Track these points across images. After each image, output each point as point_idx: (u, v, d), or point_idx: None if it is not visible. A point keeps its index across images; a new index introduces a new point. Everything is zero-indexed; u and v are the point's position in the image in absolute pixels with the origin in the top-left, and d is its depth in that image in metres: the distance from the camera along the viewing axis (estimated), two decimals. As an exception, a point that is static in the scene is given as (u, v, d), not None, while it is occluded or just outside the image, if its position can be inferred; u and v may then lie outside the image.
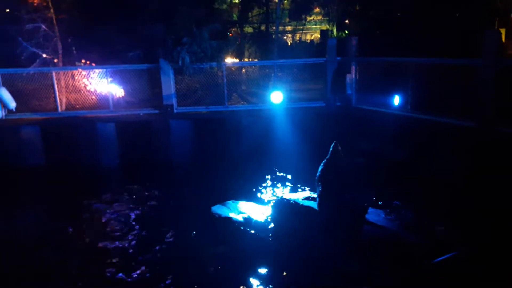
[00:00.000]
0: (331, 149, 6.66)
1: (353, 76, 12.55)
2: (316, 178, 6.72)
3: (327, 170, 6.59)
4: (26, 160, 11.95)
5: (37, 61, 13.21)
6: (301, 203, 7.04)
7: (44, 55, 13.39)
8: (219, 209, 8.04)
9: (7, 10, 16.04)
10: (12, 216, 9.16)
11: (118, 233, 8.00)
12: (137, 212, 9.04)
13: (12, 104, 12.63)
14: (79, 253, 7.36)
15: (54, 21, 13.73)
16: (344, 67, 12.82)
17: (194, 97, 13.42)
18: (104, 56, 14.66)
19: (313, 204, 6.91)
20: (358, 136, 11.09)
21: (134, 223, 8.50)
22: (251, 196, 9.31)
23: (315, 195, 7.04)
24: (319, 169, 6.70)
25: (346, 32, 21.44)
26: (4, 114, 12.72)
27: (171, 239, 7.66)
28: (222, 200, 8.39)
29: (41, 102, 13.29)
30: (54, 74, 13.03)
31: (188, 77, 13.13)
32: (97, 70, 13.34)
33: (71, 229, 8.27)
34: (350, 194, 6.46)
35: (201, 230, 7.83)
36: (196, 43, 12.56)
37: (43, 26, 13.45)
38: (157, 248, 7.33)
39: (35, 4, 14.07)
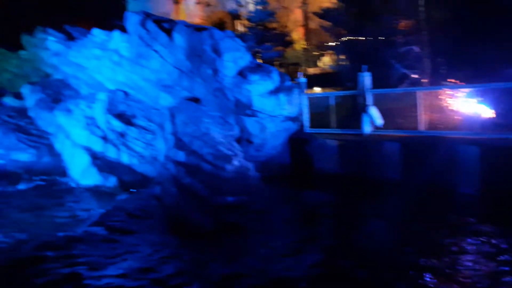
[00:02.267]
0: None
1: None
2: None
3: None
4: (384, 173, 12.74)
5: (406, 81, 13.85)
6: None
7: (412, 76, 13.89)
8: None
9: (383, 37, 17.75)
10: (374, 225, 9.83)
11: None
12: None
13: (379, 121, 13.83)
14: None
15: (425, 43, 13.98)
16: None
17: None
18: (473, 74, 13.67)
19: None
20: None
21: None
22: None
23: None
24: None
25: None
26: (372, 129, 14.10)
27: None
28: None
29: (404, 120, 13.87)
30: (419, 93, 13.27)
31: None
32: (463, 89, 12.55)
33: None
34: None
35: None
36: None
37: (415, 48, 13.97)
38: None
39: (408, 28, 14.86)
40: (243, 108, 14.48)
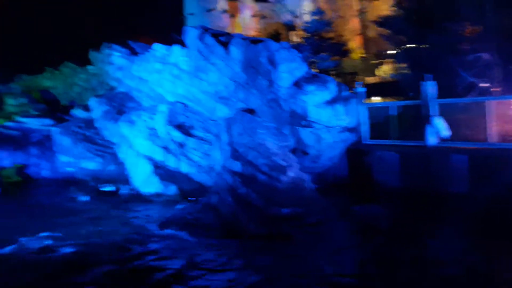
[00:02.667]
0: None
1: None
2: None
3: None
4: (450, 187, 11.97)
5: (474, 90, 13.01)
6: None
7: (481, 84, 13.03)
8: None
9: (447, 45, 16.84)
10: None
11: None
12: None
13: (445, 133, 13.06)
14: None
15: (495, 50, 13.08)
16: None
17: None
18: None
19: None
20: None
21: None
22: None
23: None
24: None
25: None
26: (437, 141, 13.34)
27: None
28: None
29: (472, 132, 12.99)
30: (489, 103, 12.38)
31: None
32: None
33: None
34: None
35: None
36: None
37: (484, 56, 13.11)
38: None
39: (474, 35, 14.00)
40: (299, 119, 14.35)
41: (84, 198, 16.65)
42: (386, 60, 28.91)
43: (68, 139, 19.75)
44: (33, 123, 22.82)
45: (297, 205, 11.04)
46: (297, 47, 23.45)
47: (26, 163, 20.78)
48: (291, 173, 12.13)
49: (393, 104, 15.28)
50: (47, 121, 22.95)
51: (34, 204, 16.36)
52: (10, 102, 28.18)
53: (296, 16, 31.18)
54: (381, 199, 13.08)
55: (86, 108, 23.29)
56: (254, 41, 16.48)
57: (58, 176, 20.64)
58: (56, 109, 26.79)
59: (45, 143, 21.11)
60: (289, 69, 14.86)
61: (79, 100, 29.34)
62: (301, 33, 30.05)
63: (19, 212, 15.05)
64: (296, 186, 11.94)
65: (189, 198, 14.80)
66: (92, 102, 22.02)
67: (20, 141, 20.88)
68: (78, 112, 23.71)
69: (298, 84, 14.74)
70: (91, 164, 19.05)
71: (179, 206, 14.03)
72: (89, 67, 29.18)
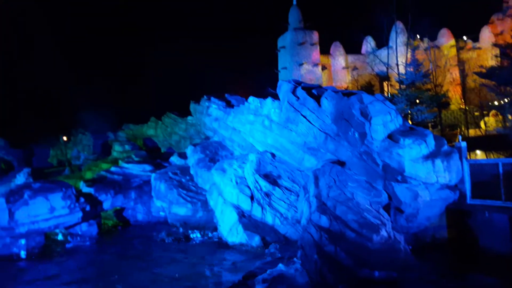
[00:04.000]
0: None
1: None
2: None
3: None
4: None
5: None
6: None
7: None
8: None
9: None
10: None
11: None
12: None
13: None
14: None
15: None
16: None
17: None
18: None
19: None
20: None
21: None
22: None
23: None
24: None
25: None
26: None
27: None
28: None
29: None
30: None
31: None
32: None
33: None
34: None
35: None
36: None
37: None
38: None
39: None
40: (393, 174, 13.52)
41: (173, 243, 17.21)
42: (491, 112, 26.69)
43: (164, 184, 20.89)
44: (134, 168, 24.72)
45: (391, 268, 10.06)
46: (391, 99, 22.75)
47: (125, 206, 22.29)
48: (384, 232, 11.26)
49: (501, 160, 13.71)
50: (147, 167, 24.72)
51: (127, 246, 17.36)
52: (117, 149, 31.35)
53: (390, 67, 30.53)
54: (487, 266, 11.52)
55: (183, 155, 24.81)
56: (347, 93, 16.33)
57: (151, 220, 21.80)
58: (156, 156, 28.97)
59: (143, 188, 22.59)
60: (383, 121, 14.31)
61: (177, 148, 31.59)
62: (396, 84, 29.22)
63: (111, 255, 16.11)
64: (390, 247, 11.00)
65: (271, 251, 14.44)
66: (189, 150, 23.37)
67: (121, 185, 22.54)
68: (175, 159, 25.34)
69: (393, 137, 14.06)
70: (182, 210, 19.81)
71: (263, 259, 13.73)
72: (189, 118, 31.54)
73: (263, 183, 16.86)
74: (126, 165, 25.15)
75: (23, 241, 16.63)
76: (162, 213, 21.49)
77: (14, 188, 18.80)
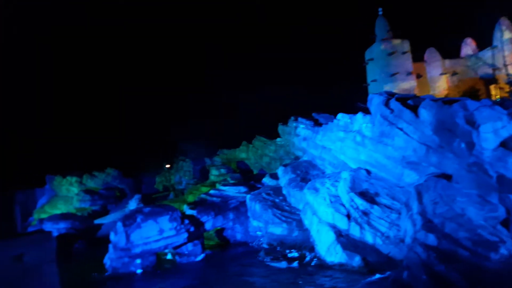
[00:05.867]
0: None
1: None
2: None
3: None
4: None
5: None
6: None
7: None
8: None
9: None
10: None
11: None
12: None
13: None
14: None
15: None
16: None
17: None
18: None
19: None
20: None
21: None
22: None
23: None
24: None
25: None
26: None
27: None
28: None
29: None
30: None
31: None
32: None
33: None
34: None
35: None
36: None
37: None
38: None
39: None
40: (510, 185, 11.97)
41: (272, 261, 17.28)
42: None
43: (259, 205, 21.24)
44: (230, 190, 25.81)
45: (515, 292, 8.84)
46: (501, 103, 20.48)
47: (224, 227, 23.17)
48: (503, 250, 9.96)
49: None
50: (242, 188, 25.66)
51: (230, 264, 17.98)
52: (213, 173, 33.24)
53: (497, 68, 27.61)
54: None
55: (274, 176, 25.16)
56: (447, 101, 15.08)
57: (249, 239, 22.27)
58: (249, 177, 29.93)
59: (240, 209, 23.32)
60: (494, 128, 12.84)
61: (268, 169, 32.19)
62: (506, 86, 26.32)
63: (216, 273, 16.73)
64: (510, 267, 9.69)
65: (376, 273, 13.61)
66: (280, 171, 23.60)
67: (220, 206, 23.55)
68: (267, 180, 25.77)
69: (506, 145, 12.54)
70: (278, 229, 19.87)
71: (366, 280, 13.01)
72: (277, 140, 32.14)
73: (359, 201, 16.17)
74: (223, 188, 26.31)
75: (138, 261, 18.98)
76: (259, 233, 21.81)
77: (128, 213, 20.97)
